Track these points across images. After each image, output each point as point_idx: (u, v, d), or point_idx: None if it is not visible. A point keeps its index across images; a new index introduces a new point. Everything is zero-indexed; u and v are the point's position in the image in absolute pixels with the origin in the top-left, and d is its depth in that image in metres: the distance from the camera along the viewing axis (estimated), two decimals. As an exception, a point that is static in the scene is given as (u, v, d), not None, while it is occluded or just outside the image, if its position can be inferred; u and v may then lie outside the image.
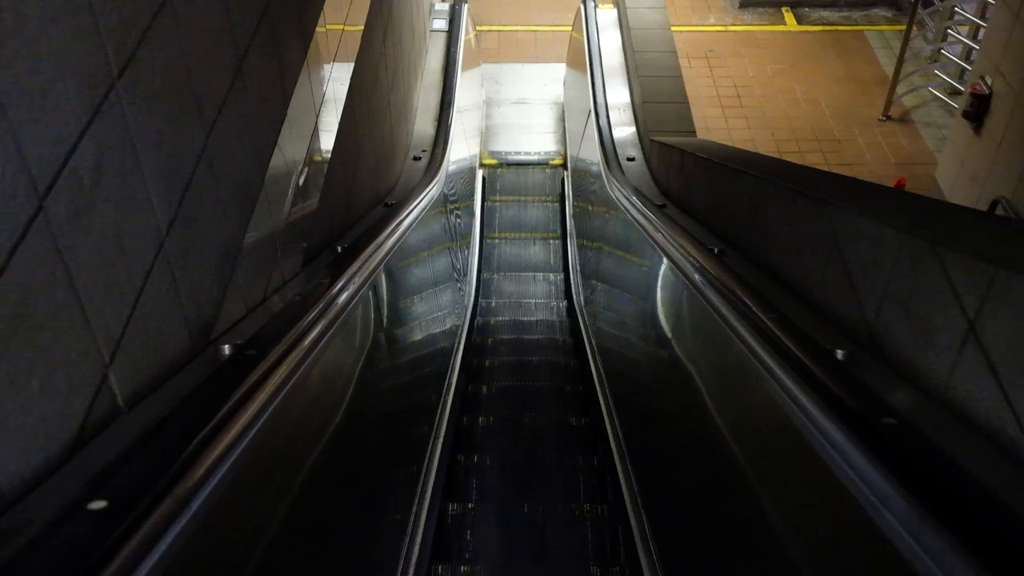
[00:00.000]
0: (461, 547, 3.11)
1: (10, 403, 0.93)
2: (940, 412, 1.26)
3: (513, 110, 6.97)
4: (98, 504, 0.97)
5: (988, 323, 1.16)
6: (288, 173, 2.13)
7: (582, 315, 4.81)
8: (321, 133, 2.49)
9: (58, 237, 1.02)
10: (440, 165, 4.21)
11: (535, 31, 7.90)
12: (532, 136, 6.69)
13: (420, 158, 4.32)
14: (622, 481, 3.23)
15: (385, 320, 2.99)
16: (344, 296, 2.03)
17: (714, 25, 7.86)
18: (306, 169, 2.32)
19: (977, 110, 4.79)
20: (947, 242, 1.28)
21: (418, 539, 2.95)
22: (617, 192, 3.87)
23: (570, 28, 6.78)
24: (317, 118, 2.43)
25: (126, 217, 1.20)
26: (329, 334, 1.87)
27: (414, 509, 3.04)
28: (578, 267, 5.48)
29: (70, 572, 0.87)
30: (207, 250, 1.54)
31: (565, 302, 5.46)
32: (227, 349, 1.51)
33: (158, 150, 1.30)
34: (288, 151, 2.10)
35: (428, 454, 3.42)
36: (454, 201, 4.73)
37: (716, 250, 2.49)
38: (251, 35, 1.77)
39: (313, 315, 1.79)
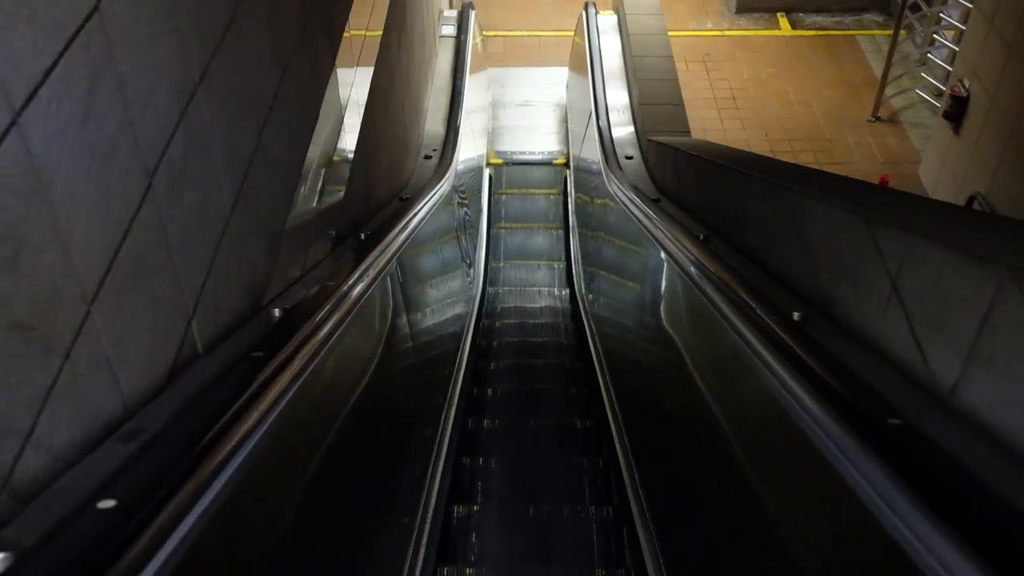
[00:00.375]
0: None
1: (132, 335, 1.21)
2: (869, 353, 1.53)
3: (518, 112, 7.25)
4: (193, 423, 1.24)
5: (906, 280, 1.43)
6: (320, 167, 2.40)
7: (583, 301, 5.09)
8: (346, 132, 2.76)
9: (161, 208, 1.29)
10: (450, 164, 4.49)
11: (539, 36, 8.18)
12: (536, 136, 6.97)
13: (431, 157, 4.59)
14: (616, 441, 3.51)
15: (402, 301, 3.26)
16: (369, 275, 2.31)
17: (711, 30, 8.13)
18: (334, 164, 2.60)
19: (956, 111, 5.05)
20: (878, 218, 1.55)
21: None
22: (616, 188, 4.14)
23: (572, 33, 7.05)
24: (343, 119, 2.71)
25: (204, 196, 1.48)
26: (358, 306, 2.15)
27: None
28: (580, 263, 5.75)
29: (183, 454, 1.14)
30: (261, 229, 1.81)
31: (569, 305, 5.75)
32: (277, 312, 1.79)
33: (226, 143, 1.58)
34: (320, 148, 2.38)
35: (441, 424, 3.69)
36: (463, 197, 5.00)
37: (702, 237, 2.76)
38: (292, 49, 2.05)
39: (345, 289, 2.07)
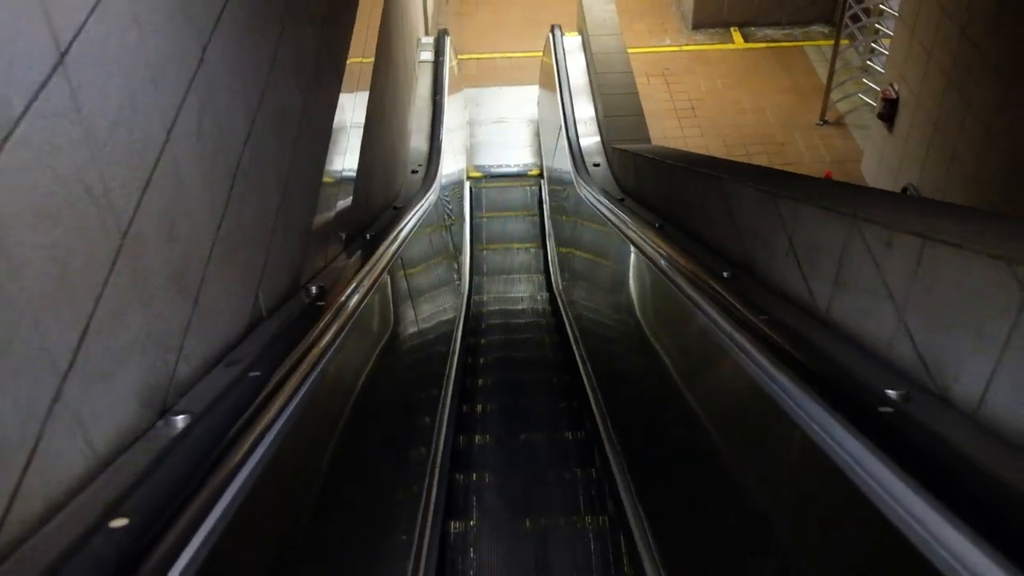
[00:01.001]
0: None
1: (227, 295, 1.65)
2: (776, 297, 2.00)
3: (494, 128, 7.76)
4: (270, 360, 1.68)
5: (797, 237, 1.91)
6: (332, 179, 2.85)
7: (561, 298, 5.56)
8: (350, 149, 3.22)
9: (239, 204, 1.74)
10: (434, 177, 4.95)
11: (510, 57, 8.69)
12: (511, 150, 7.48)
13: (417, 171, 5.06)
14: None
15: (405, 288, 3.71)
16: (381, 264, 2.77)
17: (670, 46, 8.70)
18: (342, 176, 3.05)
19: (889, 112, 5.61)
20: (779, 192, 2.03)
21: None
22: (585, 192, 4.63)
23: (541, 54, 7.56)
24: (348, 137, 3.17)
25: (262, 197, 1.93)
26: (372, 291, 2.60)
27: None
28: (556, 262, 6.23)
29: (268, 379, 1.57)
30: (296, 226, 2.26)
31: (546, 293, 6.24)
32: (314, 289, 2.24)
33: (274, 156, 2.03)
34: (332, 163, 2.83)
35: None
36: (448, 206, 5.47)
37: (658, 225, 3.24)
38: (310, 79, 2.51)
39: (363, 274, 2.52)
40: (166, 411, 1.30)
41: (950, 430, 1.18)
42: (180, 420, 1.27)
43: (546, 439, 3.91)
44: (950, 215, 1.49)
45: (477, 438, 3.92)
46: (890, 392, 1.28)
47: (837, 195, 1.91)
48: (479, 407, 4.17)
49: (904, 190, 5.12)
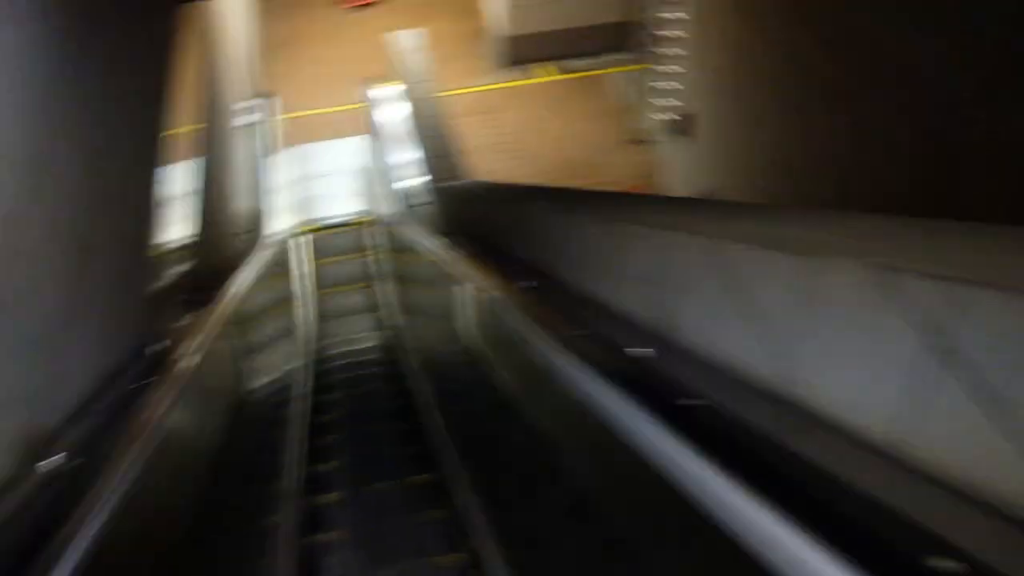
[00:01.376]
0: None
1: (81, 356, 1.83)
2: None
3: (323, 182, 7.99)
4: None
5: (576, 243, 2.30)
6: (166, 246, 3.02)
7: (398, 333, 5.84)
8: (181, 218, 3.39)
9: (83, 278, 1.92)
10: (263, 235, 5.14)
11: (337, 111, 8.96)
12: (342, 202, 7.73)
13: (249, 232, 5.22)
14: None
15: (242, 349, 3.87)
16: (221, 321, 2.96)
17: (487, 85, 9.26)
18: (176, 243, 3.22)
19: (684, 127, 6.36)
20: (572, 207, 2.43)
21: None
22: (410, 230, 4.95)
23: (366, 105, 7.85)
24: (177, 207, 3.34)
25: (106, 268, 2.11)
26: (210, 349, 2.78)
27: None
28: (394, 303, 6.49)
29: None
30: (136, 291, 2.44)
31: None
32: (158, 348, 2.41)
33: (111, 232, 2.21)
34: (165, 231, 3.00)
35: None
36: (278, 263, 5.64)
37: (476, 252, 3.60)
38: (136, 159, 2.69)
39: (202, 333, 2.71)
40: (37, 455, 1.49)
41: (673, 368, 1.57)
42: (55, 459, 1.47)
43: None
44: (682, 206, 1.90)
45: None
46: (629, 350, 1.66)
47: (603, 203, 2.32)
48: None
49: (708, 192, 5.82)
